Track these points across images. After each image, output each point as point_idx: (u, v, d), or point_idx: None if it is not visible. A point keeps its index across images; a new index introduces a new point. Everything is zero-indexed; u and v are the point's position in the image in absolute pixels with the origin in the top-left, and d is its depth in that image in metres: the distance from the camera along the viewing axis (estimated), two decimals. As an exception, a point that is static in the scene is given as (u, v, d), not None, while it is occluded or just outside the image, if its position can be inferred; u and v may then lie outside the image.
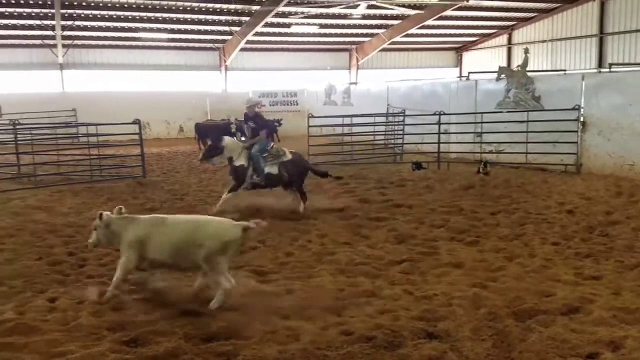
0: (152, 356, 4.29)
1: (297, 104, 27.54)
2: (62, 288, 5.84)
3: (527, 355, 4.24)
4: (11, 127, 14.03)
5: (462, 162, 15.14)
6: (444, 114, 15.00)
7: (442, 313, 5.05)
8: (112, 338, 4.62)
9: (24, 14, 22.72)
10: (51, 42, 25.47)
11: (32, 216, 9.41)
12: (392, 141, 18.27)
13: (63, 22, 23.69)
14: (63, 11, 22.66)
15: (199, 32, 27.59)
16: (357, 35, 31.14)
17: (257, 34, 27.14)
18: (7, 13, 22.58)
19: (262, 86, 28.76)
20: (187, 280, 6.04)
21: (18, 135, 14.13)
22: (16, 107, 21.07)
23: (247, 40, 27.72)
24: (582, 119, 13.43)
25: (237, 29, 27.23)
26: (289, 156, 9.68)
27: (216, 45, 29.48)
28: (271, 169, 9.47)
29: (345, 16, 27.14)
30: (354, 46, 32.72)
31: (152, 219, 5.71)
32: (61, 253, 7.23)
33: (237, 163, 9.52)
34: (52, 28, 23.98)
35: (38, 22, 23.36)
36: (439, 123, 14.86)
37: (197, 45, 29.24)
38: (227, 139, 9.83)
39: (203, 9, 24.72)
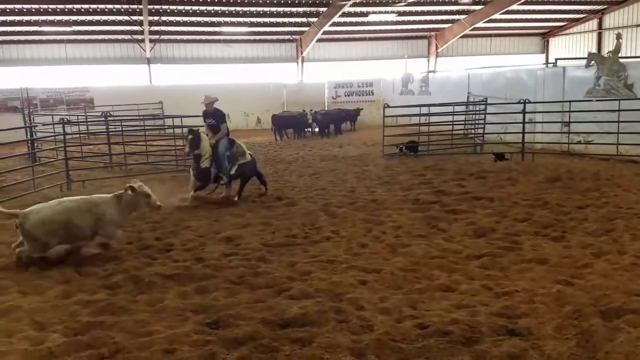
0: (232, 339, 4.46)
1: (373, 94, 27.40)
2: (151, 269, 6.17)
3: (614, 356, 4.03)
4: (103, 119, 14.94)
5: (549, 154, 14.49)
6: (529, 102, 14.40)
7: (524, 310, 4.88)
8: (195, 320, 4.85)
9: (114, 9, 24.02)
10: (139, 37, 26.83)
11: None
12: (473, 131, 17.77)
13: (150, 18, 24.85)
14: (150, 7, 23.77)
15: (277, 24, 28.04)
16: (436, 22, 30.43)
17: (334, 24, 27.18)
18: (98, 9, 23.96)
19: (337, 76, 28.83)
20: (265, 265, 6.21)
21: (109, 127, 15.04)
22: (107, 100, 22.40)
23: (324, 31, 27.83)
24: (679, 107, 12.50)
25: (315, 19, 27.39)
26: (248, 158, 10.28)
27: (293, 37, 29.84)
28: (232, 169, 10.02)
29: (424, 3, 26.66)
30: (433, 33, 32.02)
31: None
32: (149, 238, 7.64)
33: (204, 165, 9.85)
34: (140, 23, 25.23)
35: (127, 17, 24.63)
36: (523, 112, 14.26)
37: (275, 37, 29.75)
38: (204, 137, 9.98)
39: (282, 1, 25.08)
